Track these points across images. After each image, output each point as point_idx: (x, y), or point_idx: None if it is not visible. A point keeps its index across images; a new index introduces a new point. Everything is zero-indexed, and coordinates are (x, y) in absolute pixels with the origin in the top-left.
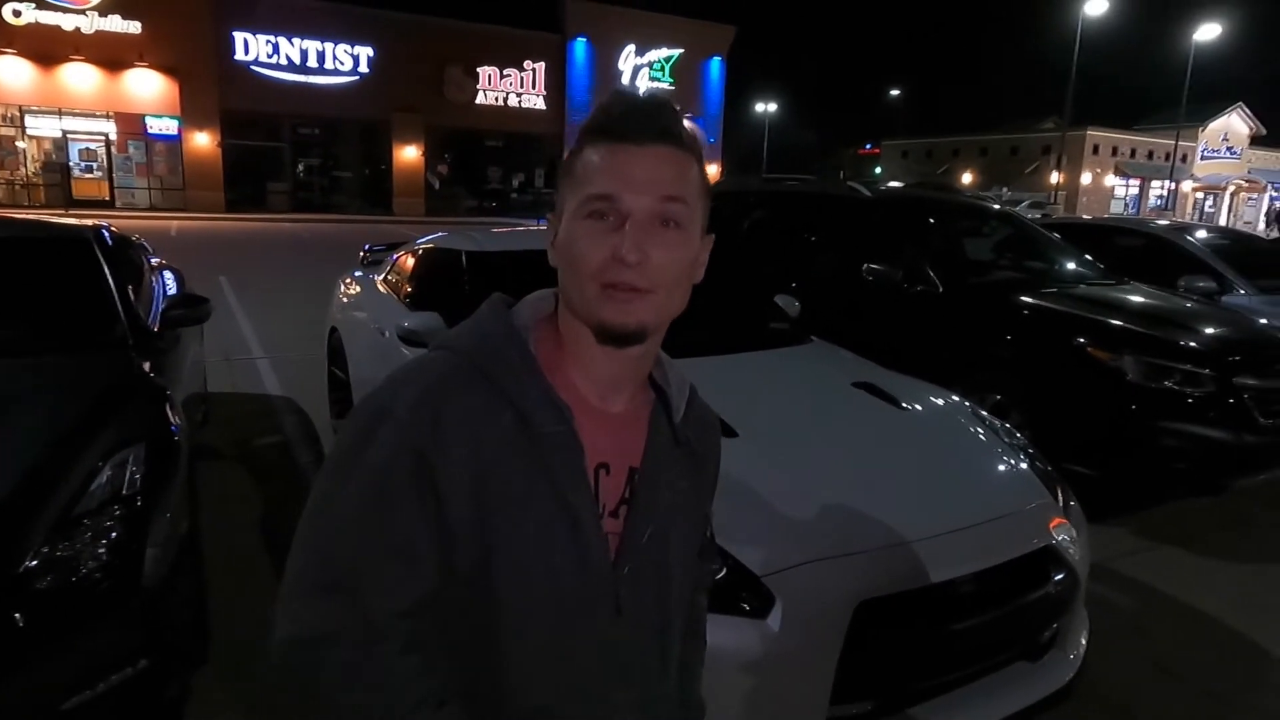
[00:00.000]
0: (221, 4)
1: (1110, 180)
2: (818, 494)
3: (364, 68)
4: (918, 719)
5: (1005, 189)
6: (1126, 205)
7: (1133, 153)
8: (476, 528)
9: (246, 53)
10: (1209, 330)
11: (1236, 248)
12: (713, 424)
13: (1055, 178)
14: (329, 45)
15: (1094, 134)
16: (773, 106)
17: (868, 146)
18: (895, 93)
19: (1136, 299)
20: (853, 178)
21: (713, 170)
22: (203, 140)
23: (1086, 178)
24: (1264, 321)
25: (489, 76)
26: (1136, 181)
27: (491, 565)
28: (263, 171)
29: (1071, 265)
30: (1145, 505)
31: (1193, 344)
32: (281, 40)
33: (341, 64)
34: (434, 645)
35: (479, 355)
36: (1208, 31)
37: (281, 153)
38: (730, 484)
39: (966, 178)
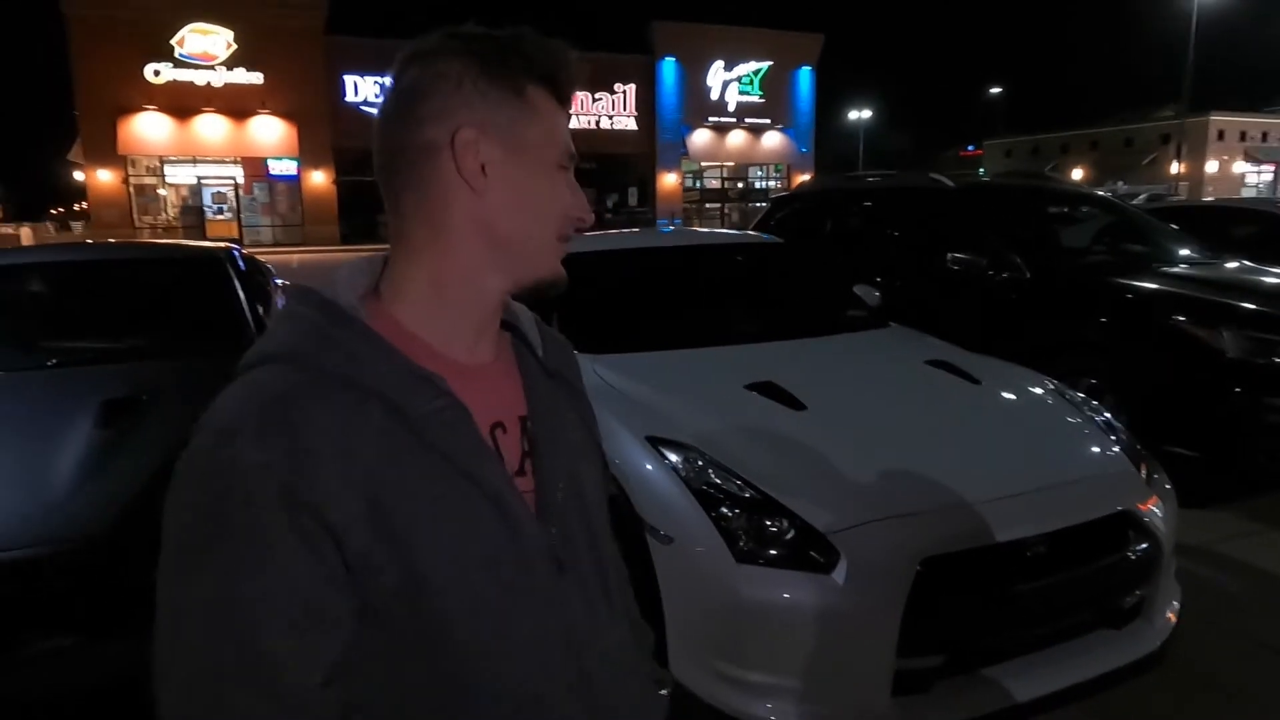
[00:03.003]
0: (334, 50)
1: (1240, 167)
2: (884, 459)
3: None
4: (992, 676)
5: (1120, 183)
6: (1259, 192)
7: (1264, 136)
8: (388, 552)
9: (356, 94)
10: None
11: None
12: (566, 345)
13: (1176, 168)
14: None
15: (1218, 119)
16: (866, 113)
17: (969, 148)
18: (995, 90)
19: (1240, 276)
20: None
21: (807, 179)
22: (319, 178)
23: (1212, 166)
24: None
25: (581, 101)
26: (1271, 166)
27: (420, 582)
28: (374, 205)
29: (1174, 247)
30: (1251, 489)
31: None
32: (387, 80)
33: None
34: (377, 699)
35: (313, 353)
36: None
37: (395, 174)
38: (795, 450)
39: (1077, 174)
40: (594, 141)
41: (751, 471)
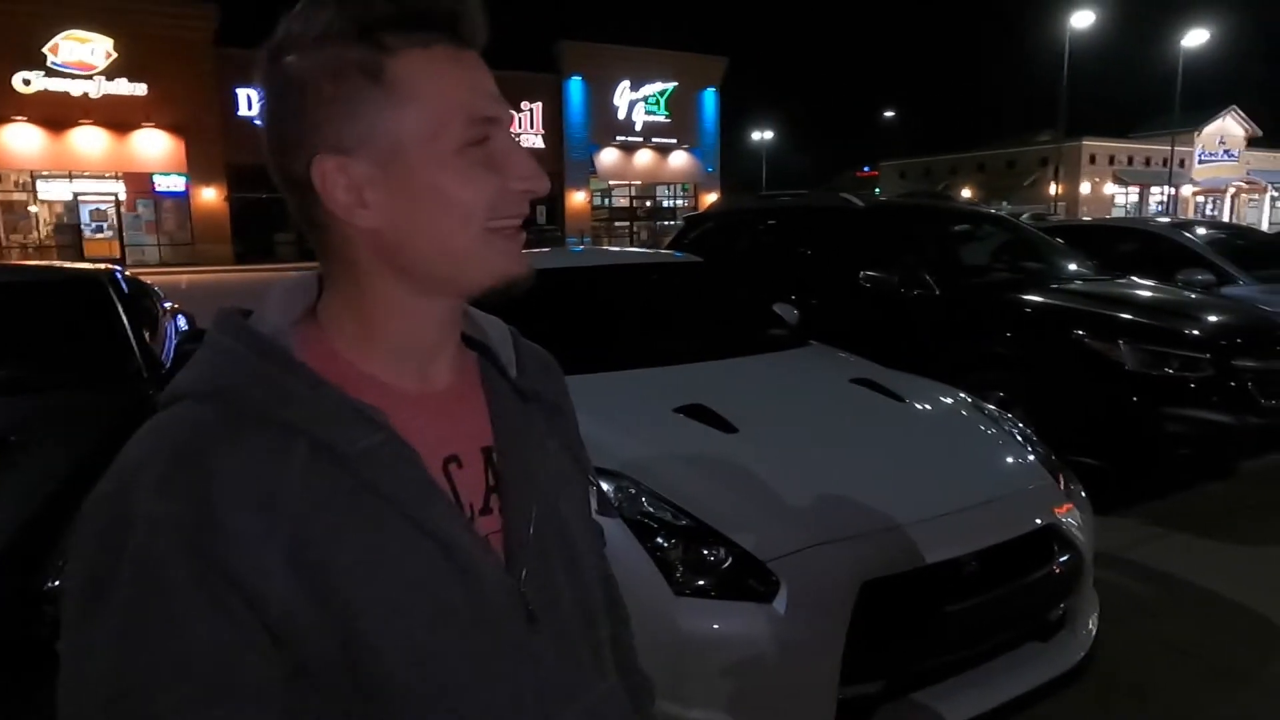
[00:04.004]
0: (225, 63)
1: (1109, 188)
2: (817, 482)
3: None
4: (930, 699)
5: (1005, 203)
6: (1127, 212)
7: (1130, 160)
8: (318, 610)
9: (250, 108)
10: (1206, 317)
11: (1233, 241)
12: (549, 362)
13: (1053, 189)
14: None
15: (1089, 144)
16: (769, 134)
17: (865, 169)
18: (890, 114)
19: (1132, 291)
20: (863, 194)
21: (713, 198)
22: (209, 195)
23: (1085, 187)
24: (1272, 308)
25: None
26: (1136, 188)
27: (357, 642)
28: (270, 223)
29: (1066, 264)
30: (1154, 494)
31: (1190, 330)
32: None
33: None
34: None
35: (232, 388)
36: (1196, 37)
37: (286, 205)
38: (729, 475)
39: (966, 193)
40: None
41: (686, 499)
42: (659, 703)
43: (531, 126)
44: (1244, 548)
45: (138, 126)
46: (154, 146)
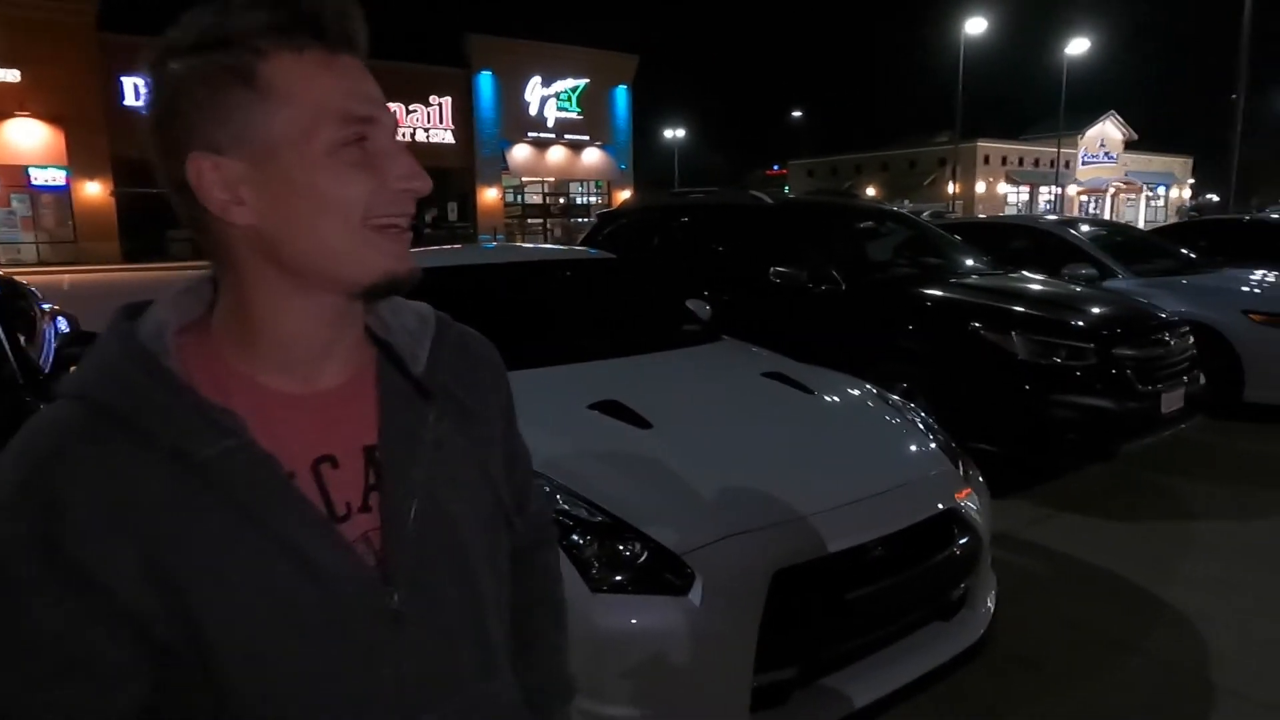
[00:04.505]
0: (109, 49)
1: (1002, 188)
2: (730, 474)
3: None
4: (841, 682)
5: (907, 201)
6: (1019, 210)
7: (1020, 161)
8: (166, 606)
9: (138, 98)
10: (1089, 309)
11: (1113, 238)
12: (480, 353)
13: (951, 188)
14: None
15: (983, 145)
16: (681, 133)
17: (775, 167)
18: (798, 114)
19: (1023, 285)
20: (771, 192)
21: (627, 195)
22: (94, 190)
23: (981, 186)
24: (1146, 301)
25: (395, 113)
26: (1026, 188)
27: (202, 639)
28: (161, 219)
29: (963, 259)
30: (1046, 477)
31: (1075, 321)
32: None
33: None
34: None
35: (98, 392)
36: (1078, 46)
37: (174, 207)
38: (644, 470)
39: (871, 192)
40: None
41: (601, 495)
42: (578, 702)
43: (441, 121)
44: (1126, 525)
45: (10, 115)
46: (29, 137)
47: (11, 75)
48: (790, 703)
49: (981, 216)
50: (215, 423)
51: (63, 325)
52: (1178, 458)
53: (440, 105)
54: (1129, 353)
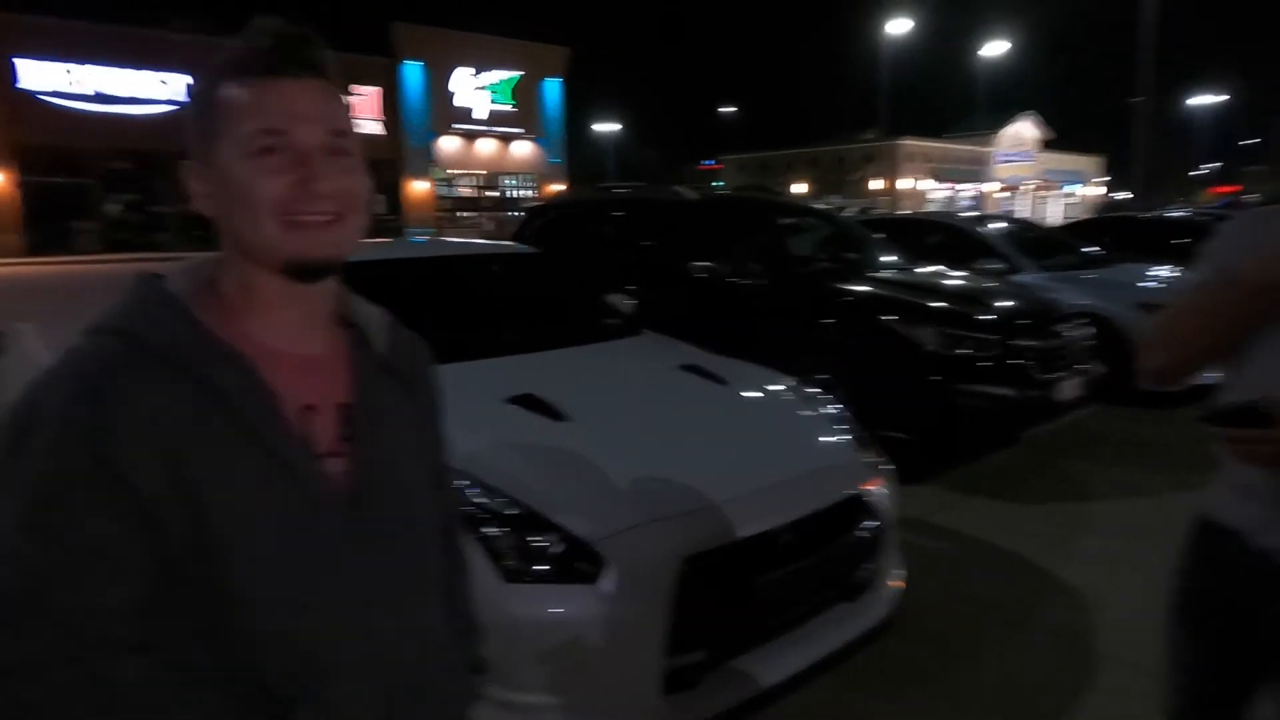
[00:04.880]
0: (1, 30)
1: (925, 184)
2: (643, 465)
3: (181, 96)
4: (750, 663)
5: (836, 196)
6: (941, 207)
7: (943, 158)
8: (181, 509)
9: (34, 81)
10: (996, 302)
11: (1023, 234)
12: (421, 350)
13: (878, 184)
14: (137, 73)
15: (907, 143)
16: (616, 127)
17: (708, 162)
18: (731, 109)
19: (935, 280)
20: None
21: (559, 190)
22: None
23: (906, 183)
24: (1049, 294)
25: (327, 125)
26: (950, 185)
27: (210, 539)
28: (68, 210)
29: (881, 255)
30: (957, 464)
31: (981, 315)
32: (77, 68)
33: (154, 93)
34: (172, 643)
35: (135, 329)
36: (996, 47)
37: (87, 189)
38: (558, 463)
39: (802, 187)
40: None
41: (515, 487)
42: (492, 692)
43: (368, 112)
44: (1030, 507)
45: None
46: None
47: None
48: (701, 685)
49: (905, 213)
50: (234, 361)
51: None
52: (1079, 443)
53: (367, 96)
54: (1030, 343)
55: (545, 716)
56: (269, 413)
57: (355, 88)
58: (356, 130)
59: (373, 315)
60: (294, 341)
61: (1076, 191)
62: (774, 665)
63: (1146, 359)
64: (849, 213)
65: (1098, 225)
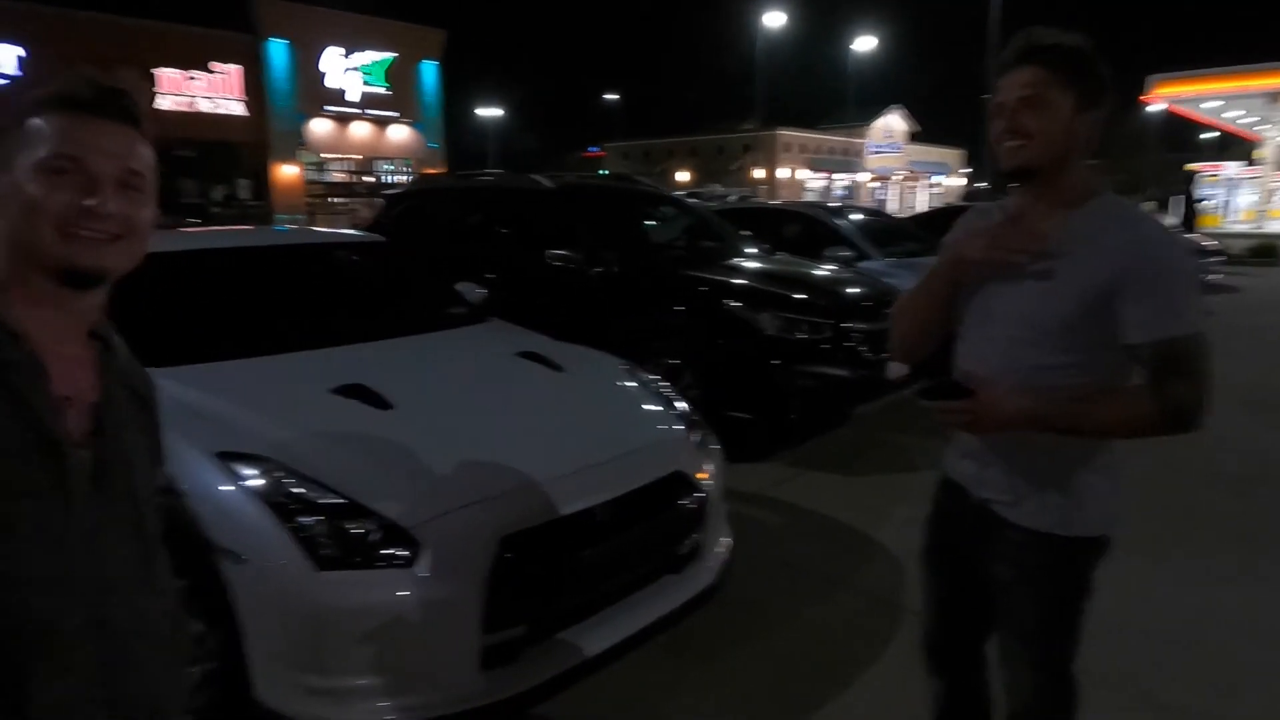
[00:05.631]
0: None
1: (802, 174)
2: (465, 450)
3: (13, 69)
4: (574, 635)
5: (718, 185)
6: (818, 195)
7: (818, 149)
8: None
9: None
10: (833, 288)
11: (875, 225)
12: (142, 371)
13: (757, 174)
14: None
15: (784, 134)
16: (498, 112)
17: (592, 149)
18: (613, 97)
19: (781, 268)
20: (556, 175)
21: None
22: None
23: (784, 172)
24: (890, 280)
25: (170, 80)
26: (824, 174)
27: None
28: None
29: (736, 244)
30: (796, 441)
31: (817, 300)
32: None
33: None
34: None
35: None
36: (865, 42)
37: None
38: (379, 451)
39: (683, 175)
40: (192, 126)
41: (332, 477)
42: (309, 679)
43: (229, 91)
44: (859, 479)
45: None
46: None
47: None
48: (522, 659)
49: (770, 203)
50: (14, 336)
51: None
52: (905, 419)
53: (228, 74)
54: (862, 326)
55: (367, 697)
56: (40, 389)
57: (215, 65)
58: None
59: (116, 337)
60: (55, 340)
61: (942, 182)
62: (597, 636)
63: (890, 339)
64: (730, 200)
65: (950, 214)
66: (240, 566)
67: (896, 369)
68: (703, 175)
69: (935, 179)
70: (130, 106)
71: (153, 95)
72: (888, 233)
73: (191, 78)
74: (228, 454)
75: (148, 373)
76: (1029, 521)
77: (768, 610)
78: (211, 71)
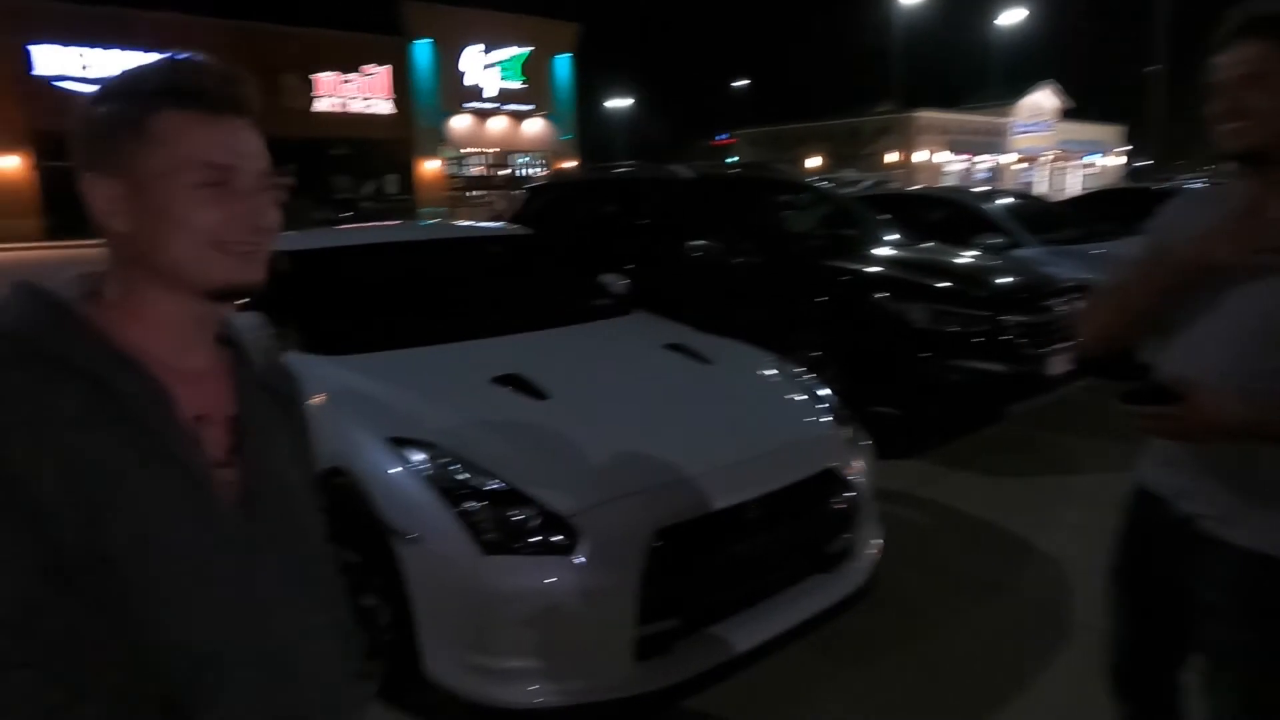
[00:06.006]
0: (16, 16)
1: (941, 156)
2: (619, 442)
3: None
4: (724, 630)
5: (851, 170)
6: (958, 179)
7: (959, 130)
8: (75, 511)
9: (51, 68)
10: (987, 278)
11: (1027, 209)
12: (288, 370)
13: (893, 157)
14: (149, 57)
15: (923, 115)
16: (627, 101)
17: (721, 137)
18: (744, 83)
19: (929, 257)
20: (695, 164)
21: (570, 167)
22: (10, 164)
23: (922, 155)
24: (1048, 268)
25: (327, 83)
26: (966, 156)
27: (105, 541)
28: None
29: (877, 232)
30: (944, 439)
31: (972, 291)
32: (90, 52)
33: None
34: (59, 655)
35: (21, 331)
36: (1014, 15)
37: None
38: (538, 440)
39: (816, 161)
40: (346, 126)
41: (495, 463)
42: (474, 657)
43: (378, 91)
44: (1012, 480)
45: None
46: None
47: None
48: (674, 651)
49: (912, 189)
50: (130, 365)
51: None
52: (1065, 417)
53: (377, 75)
54: (1021, 319)
55: (527, 679)
56: (168, 417)
57: (366, 68)
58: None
59: (251, 335)
60: (180, 356)
61: (1096, 162)
62: (747, 632)
63: (1082, 329)
64: (864, 186)
65: (1110, 197)
66: (411, 547)
67: (1060, 364)
68: (835, 160)
69: (1089, 159)
70: (251, 98)
71: (311, 99)
72: (1042, 217)
73: (345, 80)
74: (398, 439)
75: (289, 366)
76: (1247, 541)
77: (921, 615)
78: (363, 73)
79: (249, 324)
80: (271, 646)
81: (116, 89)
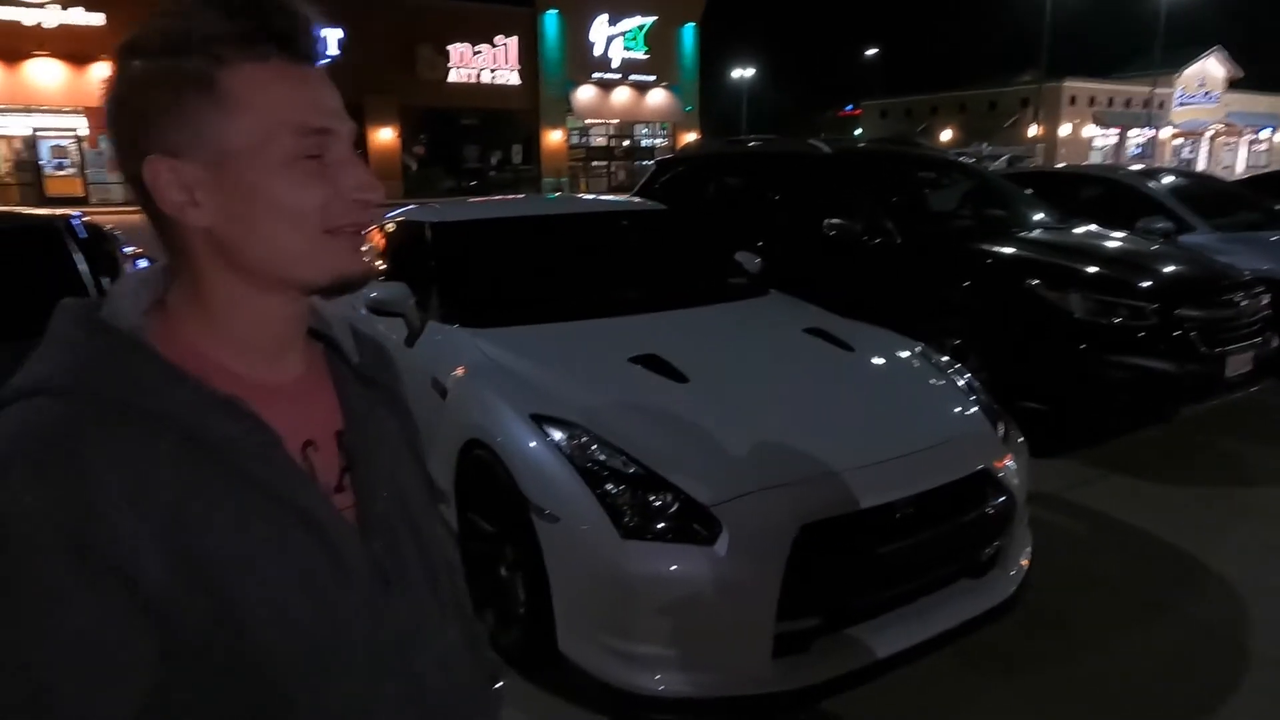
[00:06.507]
0: None
1: (1089, 130)
2: (762, 430)
3: (334, 50)
4: (865, 632)
5: (985, 144)
6: (1105, 155)
7: (1110, 102)
8: (193, 588)
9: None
10: (1156, 267)
11: (1197, 189)
12: (382, 348)
13: (1033, 130)
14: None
15: (1070, 85)
16: (750, 72)
17: (848, 108)
18: (872, 52)
19: (1087, 241)
20: (834, 139)
21: (692, 138)
22: None
23: (1066, 129)
24: (1223, 257)
25: (460, 54)
26: (1115, 131)
27: (232, 613)
28: None
29: (1029, 212)
30: (1099, 438)
31: (1139, 280)
32: None
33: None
34: None
35: (89, 383)
36: None
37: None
38: (679, 424)
39: (947, 134)
40: (475, 96)
41: (636, 447)
42: (608, 639)
43: (506, 62)
44: (1178, 489)
45: (96, 59)
46: None
47: (97, 19)
48: (813, 650)
49: (1059, 166)
50: (227, 404)
51: (142, 267)
52: (1244, 423)
53: (506, 46)
54: (1194, 313)
55: (660, 666)
56: (276, 461)
57: (497, 39)
58: None
59: (338, 319)
60: (272, 367)
61: (1270, 137)
62: (890, 637)
63: None
64: (998, 164)
65: None
66: (552, 525)
67: (1240, 364)
68: (969, 133)
69: (1263, 132)
70: (318, 39)
71: (446, 70)
72: (1216, 199)
73: (477, 51)
74: (540, 416)
75: (383, 347)
76: None
77: (1075, 630)
78: (494, 45)
79: (330, 310)
80: (411, 681)
81: (171, 36)
